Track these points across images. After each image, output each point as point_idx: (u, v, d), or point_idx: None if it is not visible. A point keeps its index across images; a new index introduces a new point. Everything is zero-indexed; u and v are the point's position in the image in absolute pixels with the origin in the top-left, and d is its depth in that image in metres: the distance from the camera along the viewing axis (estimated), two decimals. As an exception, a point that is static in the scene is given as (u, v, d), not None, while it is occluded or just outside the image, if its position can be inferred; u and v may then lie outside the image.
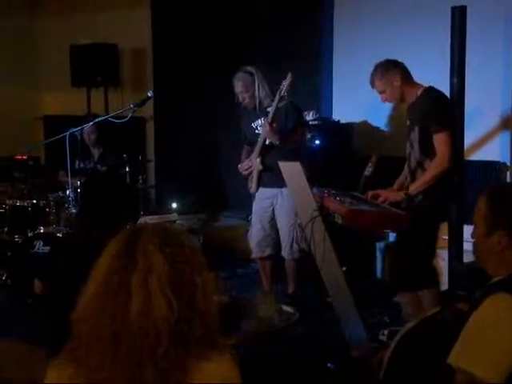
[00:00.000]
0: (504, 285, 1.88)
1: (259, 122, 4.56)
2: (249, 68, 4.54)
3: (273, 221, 4.62)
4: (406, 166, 3.91)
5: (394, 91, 3.78)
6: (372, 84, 3.86)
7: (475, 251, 2.06)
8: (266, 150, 4.51)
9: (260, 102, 4.51)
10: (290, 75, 4.29)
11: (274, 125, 4.38)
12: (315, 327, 4.22)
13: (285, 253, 4.58)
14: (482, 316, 1.81)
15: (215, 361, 1.45)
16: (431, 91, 3.76)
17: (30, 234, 4.99)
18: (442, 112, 3.68)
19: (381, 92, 3.84)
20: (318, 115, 5.60)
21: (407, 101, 3.83)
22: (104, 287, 1.48)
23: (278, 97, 4.34)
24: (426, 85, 3.80)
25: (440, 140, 3.61)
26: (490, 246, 1.95)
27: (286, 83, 4.29)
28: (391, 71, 3.77)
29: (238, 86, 4.52)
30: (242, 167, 4.69)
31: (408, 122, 3.85)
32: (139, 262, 1.46)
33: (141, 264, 1.46)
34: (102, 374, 1.43)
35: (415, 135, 3.74)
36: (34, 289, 3.05)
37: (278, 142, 4.41)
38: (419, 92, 3.76)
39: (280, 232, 4.59)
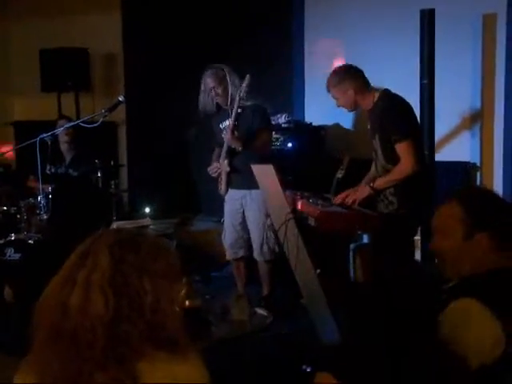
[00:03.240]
0: (466, 288, 1.86)
1: (227, 122, 4.52)
2: (219, 65, 4.51)
3: (244, 222, 4.61)
4: (372, 165, 3.92)
5: (347, 99, 3.76)
6: (327, 89, 3.85)
7: (444, 259, 1.99)
8: (232, 152, 4.50)
9: (231, 99, 4.45)
10: (247, 77, 4.27)
11: (236, 133, 4.37)
12: (289, 330, 4.23)
13: (256, 254, 4.57)
14: (450, 320, 1.81)
15: (177, 364, 1.45)
16: (385, 97, 3.71)
17: (0, 242, 4.92)
18: (398, 121, 3.63)
19: (335, 98, 3.83)
20: (290, 118, 5.62)
21: (364, 108, 3.82)
22: (55, 286, 1.52)
23: (237, 100, 4.32)
24: (383, 88, 3.78)
25: (402, 150, 3.59)
26: (470, 250, 1.91)
27: (244, 85, 4.27)
28: (346, 81, 3.74)
29: (210, 82, 4.47)
30: (211, 170, 4.68)
31: (368, 127, 3.86)
32: (88, 259, 1.51)
33: (89, 261, 1.50)
34: (49, 369, 1.46)
35: (377, 144, 3.73)
36: (4, 296, 3.02)
37: (240, 149, 4.40)
38: (376, 98, 3.74)
39: (250, 233, 4.59)
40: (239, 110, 4.36)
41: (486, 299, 1.78)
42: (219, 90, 4.47)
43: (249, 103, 4.41)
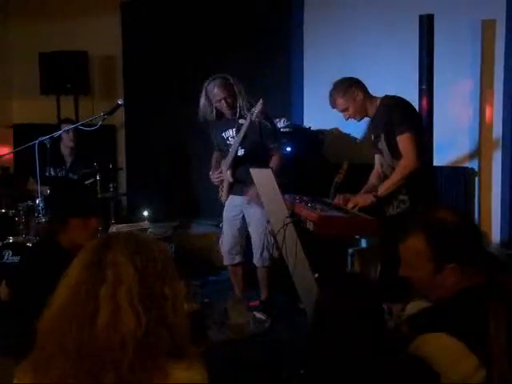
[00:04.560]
0: (436, 319, 1.89)
1: (231, 132, 4.50)
2: (223, 75, 4.43)
3: (242, 228, 4.61)
4: (371, 175, 3.94)
5: (357, 106, 3.79)
6: (333, 103, 3.85)
7: (413, 286, 2.03)
8: (237, 163, 4.48)
9: (240, 109, 4.39)
10: (261, 101, 4.20)
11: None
12: (287, 334, 4.23)
13: (255, 260, 4.58)
14: (430, 356, 1.80)
15: (183, 369, 1.43)
16: (387, 98, 3.80)
17: (-2, 244, 4.92)
18: (401, 114, 3.70)
19: (343, 110, 3.84)
20: (289, 122, 5.62)
21: (369, 114, 3.86)
22: (71, 298, 1.44)
23: (247, 122, 4.26)
24: (383, 95, 3.85)
25: (404, 141, 3.64)
26: (440, 282, 1.94)
27: (256, 109, 4.20)
28: (352, 87, 3.79)
29: (220, 93, 4.37)
30: (214, 177, 4.66)
31: (372, 137, 3.89)
32: (108, 273, 1.43)
33: (110, 275, 1.42)
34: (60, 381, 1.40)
35: (382, 144, 3.76)
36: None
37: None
38: (378, 103, 3.80)
39: (251, 239, 4.59)
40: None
41: (458, 332, 1.80)
42: (230, 101, 4.38)
43: (257, 119, 4.32)
